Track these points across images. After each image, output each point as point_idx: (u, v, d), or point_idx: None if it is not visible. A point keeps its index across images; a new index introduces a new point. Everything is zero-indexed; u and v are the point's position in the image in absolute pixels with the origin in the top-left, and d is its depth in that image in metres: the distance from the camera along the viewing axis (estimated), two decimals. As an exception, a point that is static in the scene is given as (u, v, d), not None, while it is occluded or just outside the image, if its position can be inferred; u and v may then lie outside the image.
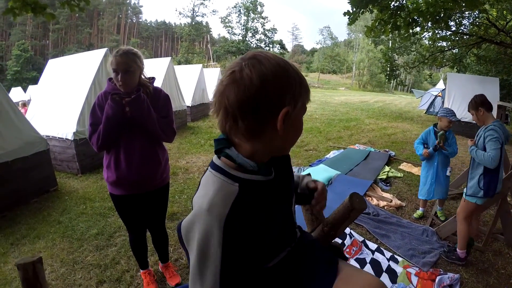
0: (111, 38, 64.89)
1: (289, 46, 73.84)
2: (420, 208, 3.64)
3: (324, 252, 1.12)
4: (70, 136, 4.93)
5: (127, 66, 1.79)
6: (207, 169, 0.83)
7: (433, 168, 3.34)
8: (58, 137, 5.03)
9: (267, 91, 0.69)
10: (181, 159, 6.05)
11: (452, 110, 3.19)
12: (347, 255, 2.73)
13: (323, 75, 55.40)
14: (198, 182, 0.86)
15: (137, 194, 2.02)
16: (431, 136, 3.33)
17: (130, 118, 1.84)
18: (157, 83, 7.55)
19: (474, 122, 3.13)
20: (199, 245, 0.71)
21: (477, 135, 2.63)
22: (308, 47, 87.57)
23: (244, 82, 0.69)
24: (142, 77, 1.93)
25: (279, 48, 55.06)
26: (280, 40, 58.59)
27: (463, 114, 8.12)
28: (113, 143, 1.89)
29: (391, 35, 9.31)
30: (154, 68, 7.98)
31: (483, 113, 2.57)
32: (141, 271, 2.39)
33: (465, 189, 2.70)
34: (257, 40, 56.27)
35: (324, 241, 1.34)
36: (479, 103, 2.57)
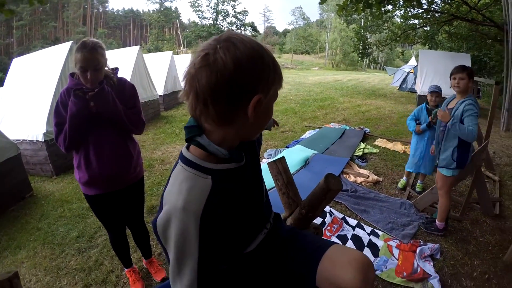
0: (78, 30, 61.71)
1: (261, 28, 72.91)
2: (403, 177, 3.79)
3: (307, 234, 1.13)
4: (40, 138, 4.70)
5: (96, 62, 1.68)
6: (177, 162, 0.81)
7: (423, 142, 3.46)
8: (29, 140, 4.77)
9: (240, 77, 0.66)
10: (157, 150, 5.85)
11: (439, 86, 3.37)
12: (328, 233, 2.79)
13: (296, 56, 55.02)
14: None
15: (112, 191, 1.95)
16: (423, 113, 3.45)
17: (96, 113, 1.74)
18: (127, 74, 7.05)
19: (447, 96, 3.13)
20: (176, 243, 0.70)
21: (454, 108, 2.51)
22: (280, 28, 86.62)
23: (217, 66, 0.65)
24: (106, 68, 1.83)
25: (250, 30, 54.37)
26: (252, 22, 57.90)
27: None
28: (81, 141, 1.80)
29: (363, 13, 9.31)
30: (123, 59, 7.57)
31: (471, 84, 2.54)
32: (126, 269, 2.35)
33: (437, 160, 2.73)
34: (228, 23, 55.29)
35: (303, 223, 1.35)
36: (474, 73, 2.52)
